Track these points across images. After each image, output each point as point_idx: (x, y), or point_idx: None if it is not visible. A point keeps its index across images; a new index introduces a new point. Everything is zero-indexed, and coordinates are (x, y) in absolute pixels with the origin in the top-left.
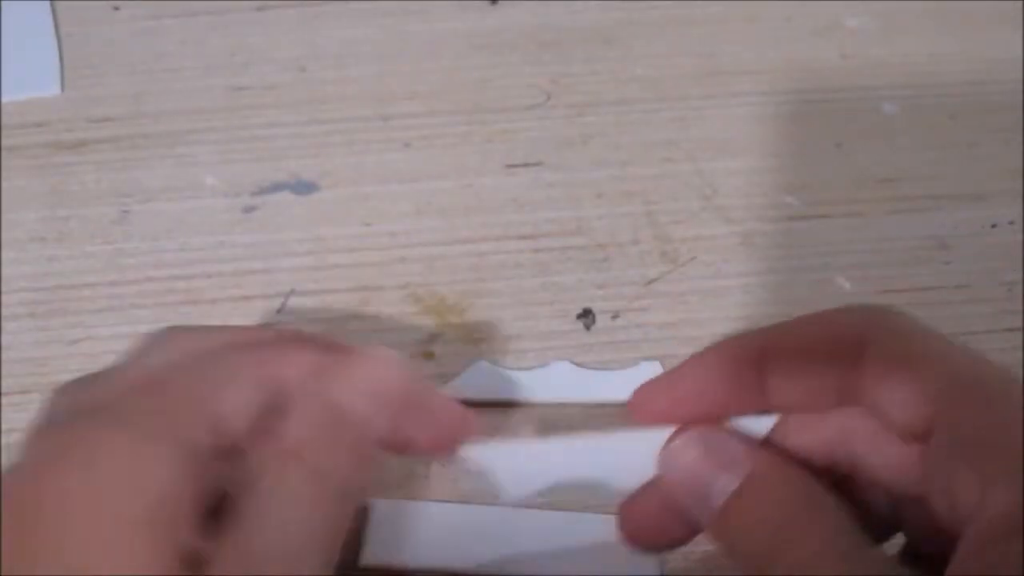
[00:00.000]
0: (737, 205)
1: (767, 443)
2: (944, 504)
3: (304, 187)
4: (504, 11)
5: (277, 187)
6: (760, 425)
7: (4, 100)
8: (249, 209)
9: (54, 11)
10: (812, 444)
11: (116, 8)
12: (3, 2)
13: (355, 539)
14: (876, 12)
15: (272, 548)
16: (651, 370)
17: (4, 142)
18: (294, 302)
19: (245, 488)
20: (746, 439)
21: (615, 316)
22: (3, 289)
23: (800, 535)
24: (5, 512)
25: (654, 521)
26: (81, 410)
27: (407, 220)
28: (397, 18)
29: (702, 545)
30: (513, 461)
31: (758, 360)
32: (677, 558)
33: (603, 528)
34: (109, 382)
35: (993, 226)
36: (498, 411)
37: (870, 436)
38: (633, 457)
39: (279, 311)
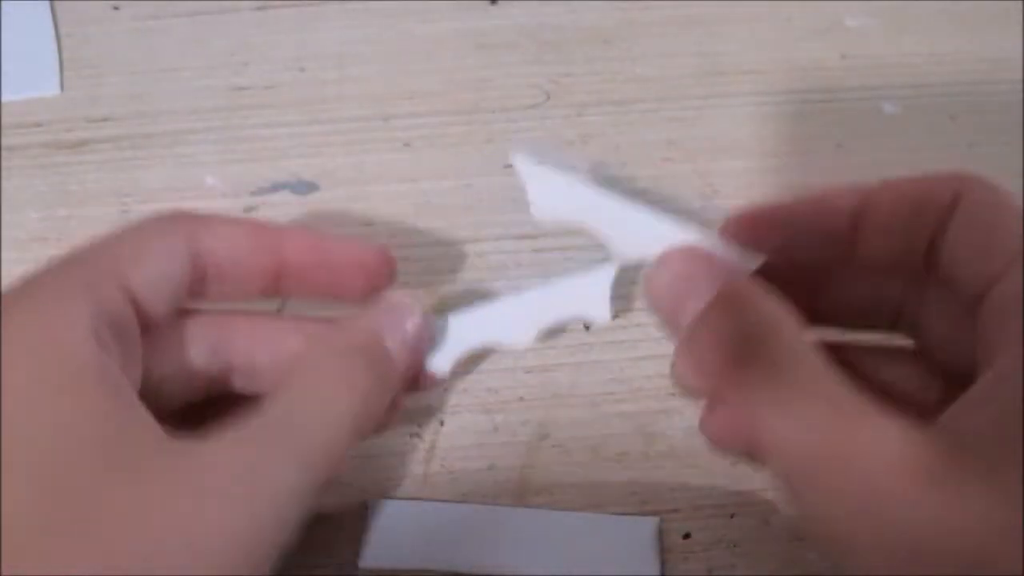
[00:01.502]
0: (737, 205)
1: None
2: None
3: (304, 187)
4: (504, 11)
5: (277, 187)
6: (746, 262)
7: (4, 100)
8: (249, 209)
9: (54, 11)
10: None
11: (116, 8)
12: (3, 2)
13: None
14: (876, 12)
15: (314, 418)
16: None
17: (4, 142)
18: (294, 301)
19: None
20: (726, 267)
21: (615, 316)
22: (3, 289)
23: (751, 360)
24: None
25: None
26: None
27: (407, 220)
28: (397, 18)
29: (701, 545)
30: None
31: (856, 213)
32: (677, 558)
33: (603, 528)
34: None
35: None
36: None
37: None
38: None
39: (279, 310)
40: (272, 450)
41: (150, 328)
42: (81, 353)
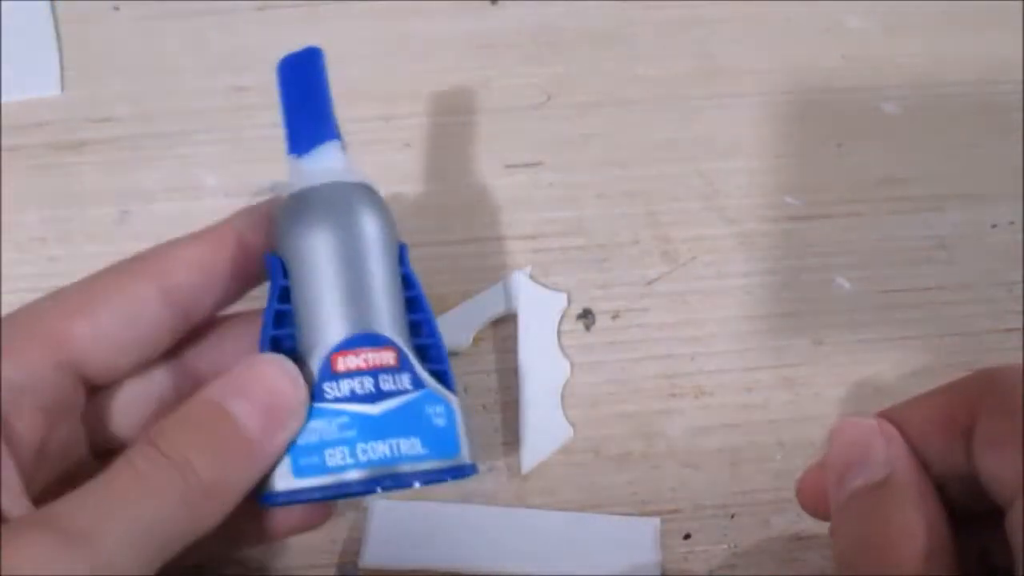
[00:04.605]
0: (737, 205)
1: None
2: None
3: None
4: (504, 11)
5: (277, 187)
6: None
7: (4, 100)
8: None
9: (54, 11)
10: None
11: (116, 8)
12: (3, 2)
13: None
14: (876, 12)
15: (99, 524)
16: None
17: (4, 142)
18: None
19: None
20: (895, 442)
21: (615, 316)
22: (3, 289)
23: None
24: None
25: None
26: None
27: (407, 220)
28: (397, 18)
29: (701, 545)
30: None
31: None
32: (677, 558)
33: (603, 528)
34: None
35: (993, 226)
36: None
37: None
38: None
39: None
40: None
41: (107, 377)
42: None
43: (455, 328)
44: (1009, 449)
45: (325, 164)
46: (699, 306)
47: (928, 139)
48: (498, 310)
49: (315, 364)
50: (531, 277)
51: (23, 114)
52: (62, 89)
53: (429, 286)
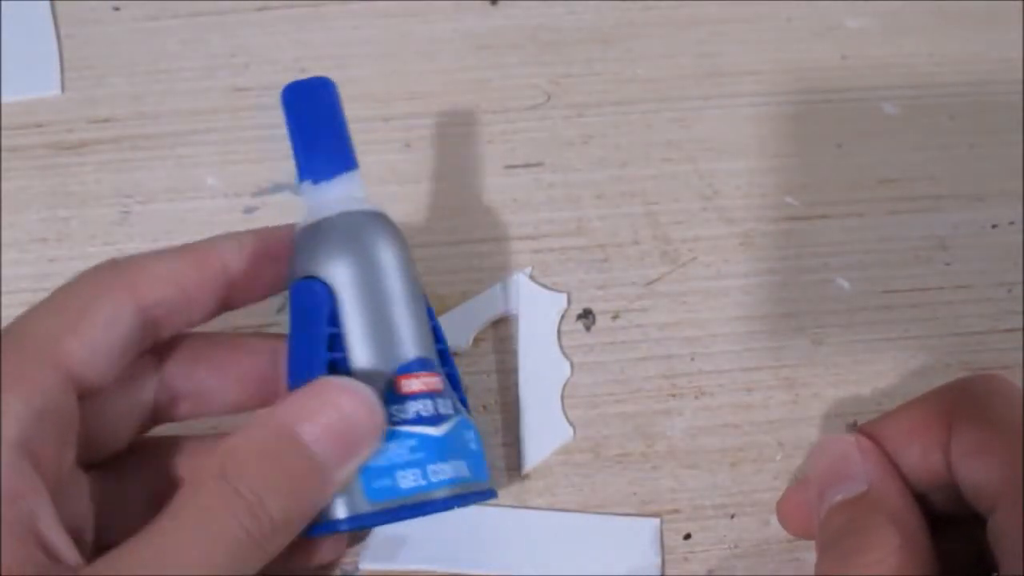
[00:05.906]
0: (737, 205)
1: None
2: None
3: None
4: (504, 11)
5: (277, 188)
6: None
7: (4, 100)
8: (250, 210)
9: (54, 11)
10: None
11: (116, 8)
12: (3, 2)
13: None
14: (876, 12)
15: (168, 564)
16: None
17: (4, 143)
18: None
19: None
20: (873, 456)
21: (615, 316)
22: (3, 289)
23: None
24: None
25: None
26: None
27: (407, 220)
28: (397, 18)
29: (701, 545)
30: None
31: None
32: (677, 558)
33: (603, 528)
34: None
35: (993, 226)
36: None
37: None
38: None
39: (280, 311)
40: None
41: (94, 390)
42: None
43: (455, 329)
44: (985, 459)
45: (350, 192)
46: (699, 306)
47: (928, 139)
48: (498, 310)
49: (377, 387)
50: (531, 277)
51: (23, 114)
52: (62, 89)
53: (429, 286)
